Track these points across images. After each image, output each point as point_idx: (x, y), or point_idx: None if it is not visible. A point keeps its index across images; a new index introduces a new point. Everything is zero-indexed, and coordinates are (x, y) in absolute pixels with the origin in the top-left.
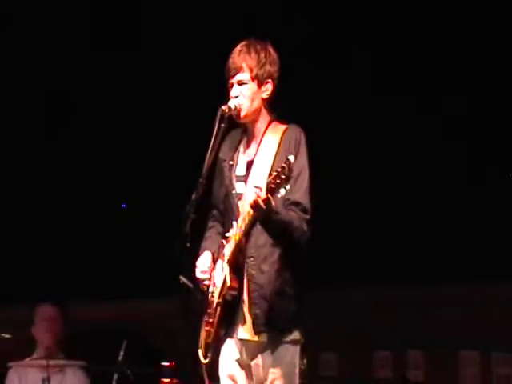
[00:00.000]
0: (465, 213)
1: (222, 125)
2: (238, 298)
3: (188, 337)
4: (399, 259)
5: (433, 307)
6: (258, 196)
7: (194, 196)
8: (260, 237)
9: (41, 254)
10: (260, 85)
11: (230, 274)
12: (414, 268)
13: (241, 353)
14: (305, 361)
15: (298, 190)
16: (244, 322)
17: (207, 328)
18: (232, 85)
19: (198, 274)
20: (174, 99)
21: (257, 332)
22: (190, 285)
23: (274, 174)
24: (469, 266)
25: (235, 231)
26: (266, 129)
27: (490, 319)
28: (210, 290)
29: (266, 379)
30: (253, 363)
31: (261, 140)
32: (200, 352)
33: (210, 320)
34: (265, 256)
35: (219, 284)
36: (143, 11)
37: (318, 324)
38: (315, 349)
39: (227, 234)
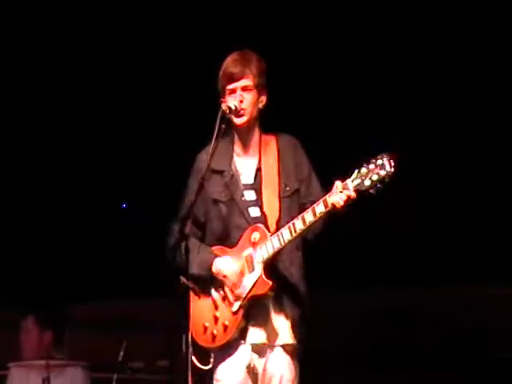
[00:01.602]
0: (465, 213)
1: (223, 126)
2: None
3: (187, 337)
4: (399, 259)
5: (433, 307)
6: (348, 196)
7: (193, 197)
8: None
9: (41, 255)
10: (259, 94)
11: (265, 275)
12: (415, 268)
13: (251, 358)
14: None
15: (315, 189)
16: (270, 327)
17: (215, 332)
18: (234, 90)
19: (231, 285)
20: (173, 99)
21: (295, 333)
22: (190, 285)
23: (365, 170)
24: (469, 266)
25: (286, 234)
26: (260, 138)
27: (489, 319)
28: (221, 293)
29: (271, 381)
30: (261, 365)
31: (259, 149)
32: (195, 359)
33: (226, 322)
34: (292, 260)
35: (246, 286)
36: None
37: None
38: None
39: (252, 238)
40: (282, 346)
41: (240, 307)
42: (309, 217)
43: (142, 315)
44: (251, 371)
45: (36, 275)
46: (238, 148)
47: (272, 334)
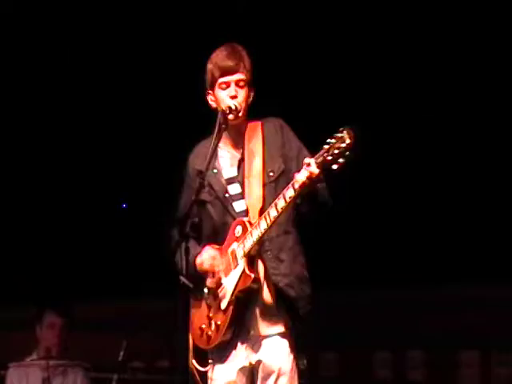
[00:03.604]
0: (465, 212)
1: (223, 125)
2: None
3: (187, 337)
4: (399, 259)
5: (433, 307)
6: (311, 173)
7: (194, 196)
8: (272, 228)
9: (42, 254)
10: (249, 89)
11: (247, 267)
12: (414, 268)
13: (244, 356)
14: (305, 361)
15: None
16: (261, 320)
17: (209, 333)
18: (228, 84)
19: (208, 264)
20: (174, 99)
21: (291, 316)
22: (190, 285)
23: (327, 146)
24: (469, 266)
25: (263, 224)
26: (245, 129)
27: (489, 319)
28: (208, 292)
29: (270, 374)
30: (258, 360)
31: (243, 139)
32: (194, 362)
33: (218, 322)
34: (280, 246)
35: (232, 281)
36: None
37: (318, 324)
38: (315, 349)
39: (236, 233)
40: (276, 336)
41: (229, 304)
42: (280, 203)
43: (142, 315)
44: (248, 369)
45: (37, 275)
46: (223, 144)
47: (264, 326)
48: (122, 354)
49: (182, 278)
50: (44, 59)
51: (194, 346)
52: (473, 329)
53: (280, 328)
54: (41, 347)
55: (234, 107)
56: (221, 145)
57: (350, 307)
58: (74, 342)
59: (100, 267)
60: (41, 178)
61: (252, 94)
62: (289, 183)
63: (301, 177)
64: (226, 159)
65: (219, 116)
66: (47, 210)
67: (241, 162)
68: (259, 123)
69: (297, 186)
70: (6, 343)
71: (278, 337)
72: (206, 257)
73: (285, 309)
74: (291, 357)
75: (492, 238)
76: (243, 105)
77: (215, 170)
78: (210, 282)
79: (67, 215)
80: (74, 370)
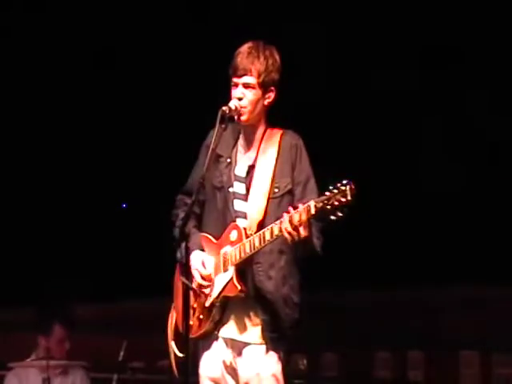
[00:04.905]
0: (465, 213)
1: (223, 125)
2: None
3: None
4: (399, 259)
5: (433, 307)
6: (299, 234)
7: (193, 196)
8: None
9: (42, 254)
10: (264, 91)
11: (236, 277)
12: (415, 268)
13: (226, 353)
14: (305, 361)
15: (309, 193)
16: (242, 324)
17: (191, 322)
18: (236, 84)
19: (199, 279)
20: (174, 99)
21: (264, 337)
22: (190, 285)
23: (328, 194)
24: (469, 266)
25: (257, 243)
26: (264, 133)
27: (489, 319)
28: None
29: (249, 380)
30: (238, 364)
31: (259, 145)
32: (174, 345)
33: (200, 316)
34: (272, 262)
35: (219, 284)
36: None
37: (318, 324)
38: (315, 349)
39: (230, 237)
40: (254, 345)
41: (212, 304)
42: (275, 230)
43: (142, 315)
44: (229, 367)
45: (36, 276)
46: (242, 140)
47: (244, 332)
48: (121, 354)
49: (182, 278)
50: (46, 60)
51: (176, 329)
52: (473, 329)
53: (255, 339)
54: (41, 348)
55: (233, 107)
56: (241, 137)
57: (350, 307)
58: (74, 342)
59: (100, 267)
60: (42, 181)
61: (271, 94)
62: (291, 205)
63: (296, 216)
64: (241, 155)
65: (219, 116)
66: (47, 210)
67: (251, 168)
68: (279, 132)
69: (284, 226)
70: (5, 343)
71: (254, 346)
72: (196, 265)
73: (267, 324)
74: (271, 363)
75: (492, 238)
76: (249, 107)
77: (229, 160)
78: (198, 278)
79: (67, 215)
80: (74, 370)
